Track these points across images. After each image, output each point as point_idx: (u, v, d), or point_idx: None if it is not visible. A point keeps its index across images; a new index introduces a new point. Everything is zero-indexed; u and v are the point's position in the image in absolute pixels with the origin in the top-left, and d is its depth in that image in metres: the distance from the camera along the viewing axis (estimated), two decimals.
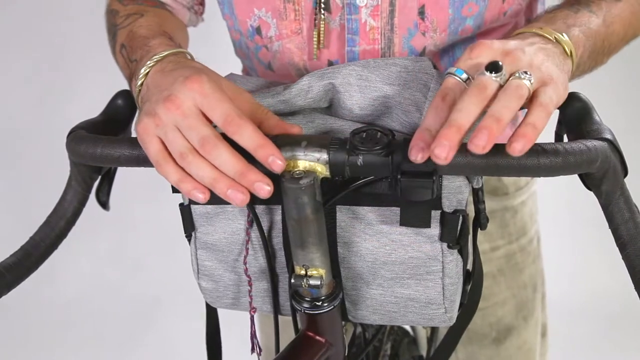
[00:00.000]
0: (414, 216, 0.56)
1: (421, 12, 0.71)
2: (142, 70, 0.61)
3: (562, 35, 0.58)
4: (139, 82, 0.62)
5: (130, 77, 0.68)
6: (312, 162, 0.55)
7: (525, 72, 0.50)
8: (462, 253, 0.61)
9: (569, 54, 0.57)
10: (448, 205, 0.58)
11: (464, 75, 0.52)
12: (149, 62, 0.61)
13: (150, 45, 0.66)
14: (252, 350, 0.69)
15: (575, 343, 1.85)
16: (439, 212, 0.58)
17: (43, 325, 2.01)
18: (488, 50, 0.53)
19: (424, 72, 0.59)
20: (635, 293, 0.55)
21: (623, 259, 0.55)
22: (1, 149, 2.26)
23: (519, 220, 0.96)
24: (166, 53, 0.62)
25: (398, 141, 0.54)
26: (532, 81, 0.50)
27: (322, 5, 0.72)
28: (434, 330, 0.90)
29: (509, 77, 0.50)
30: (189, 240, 0.68)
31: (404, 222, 0.57)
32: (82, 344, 1.95)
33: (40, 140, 2.24)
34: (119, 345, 1.95)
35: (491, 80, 0.49)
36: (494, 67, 0.49)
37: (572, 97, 0.61)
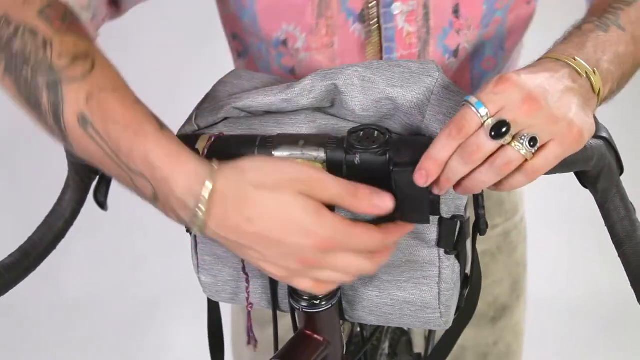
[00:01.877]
0: (411, 212, 0.55)
1: (456, 11, 0.71)
2: (196, 225, 0.50)
3: (594, 72, 0.54)
4: (196, 229, 0.51)
5: (149, 195, 0.53)
6: (310, 161, 0.55)
7: (531, 142, 0.48)
8: (460, 258, 0.61)
9: (596, 92, 0.54)
10: (446, 211, 0.58)
11: (484, 111, 0.48)
12: (199, 210, 0.49)
13: (159, 164, 0.50)
14: (248, 342, 0.69)
15: (575, 343, 1.85)
16: (437, 217, 0.58)
17: (43, 325, 2.01)
18: (513, 88, 0.49)
19: (428, 75, 0.59)
20: (633, 291, 0.56)
21: (619, 256, 0.56)
22: (1, 149, 2.26)
23: (512, 198, 0.97)
24: (209, 188, 0.49)
25: (395, 140, 0.55)
26: (533, 151, 0.49)
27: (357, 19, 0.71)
28: (431, 329, 0.90)
29: (515, 135, 0.48)
30: (190, 234, 0.68)
31: (401, 217, 0.56)
32: (81, 344, 1.95)
33: (40, 141, 2.23)
34: (119, 345, 1.96)
35: (490, 143, 0.48)
36: (497, 129, 0.48)
37: None
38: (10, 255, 0.66)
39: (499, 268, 0.99)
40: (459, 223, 0.57)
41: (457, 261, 0.61)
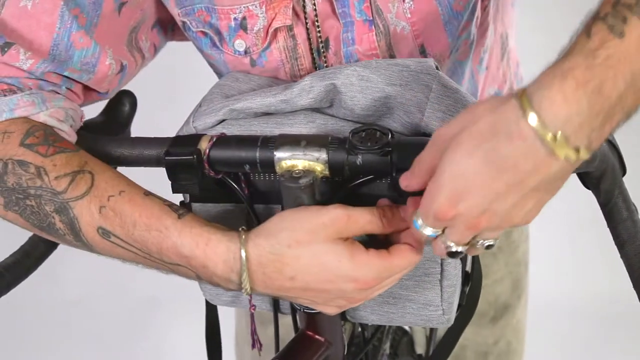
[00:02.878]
0: None
1: (422, 51, 0.70)
2: (244, 291, 0.53)
3: (578, 151, 0.39)
4: (245, 294, 0.54)
5: (191, 277, 0.56)
6: (312, 161, 0.55)
7: (488, 247, 0.49)
8: None
9: (577, 165, 0.40)
10: None
11: (435, 234, 0.48)
12: (243, 281, 0.52)
13: (192, 255, 0.53)
14: (253, 346, 0.69)
15: (575, 343, 1.85)
16: None
17: (43, 325, 2.01)
18: (458, 219, 0.44)
19: (426, 73, 0.59)
20: (635, 292, 0.56)
21: (621, 257, 0.56)
22: None
23: None
24: (244, 258, 0.51)
25: (397, 140, 0.54)
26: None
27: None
28: (432, 329, 0.90)
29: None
30: None
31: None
32: (81, 343, 1.95)
33: None
34: (118, 344, 1.96)
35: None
36: (453, 256, 0.48)
37: None
38: (11, 255, 0.66)
39: (500, 267, 0.99)
40: None
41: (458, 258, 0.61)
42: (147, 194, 0.56)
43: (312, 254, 0.51)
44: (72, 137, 0.63)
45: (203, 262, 0.52)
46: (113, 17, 0.65)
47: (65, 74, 0.63)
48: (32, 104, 0.59)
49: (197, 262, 0.53)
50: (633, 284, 0.55)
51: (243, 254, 0.51)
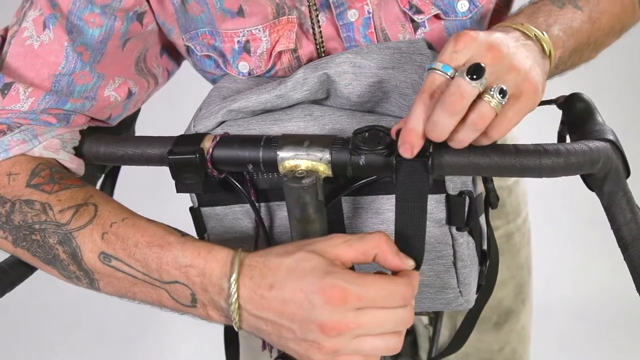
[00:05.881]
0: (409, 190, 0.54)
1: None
2: (232, 307, 0.51)
3: (542, 34, 0.55)
4: (234, 316, 0.51)
5: (187, 301, 0.55)
6: (315, 161, 0.55)
7: (502, 92, 0.48)
8: (474, 234, 0.61)
9: (547, 53, 0.55)
10: (453, 188, 0.57)
11: (451, 72, 0.49)
12: (232, 300, 0.50)
13: (191, 263, 0.52)
14: (264, 347, 0.69)
15: (576, 343, 1.84)
16: (444, 195, 0.58)
17: (43, 325, 2.01)
18: (473, 42, 0.49)
19: (419, 53, 0.58)
20: (637, 294, 0.55)
21: (625, 259, 0.55)
22: None
23: (514, 199, 0.97)
24: (235, 271, 0.51)
25: None
26: (503, 102, 0.48)
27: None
28: (435, 330, 0.90)
29: (484, 90, 0.48)
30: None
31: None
32: (81, 344, 1.95)
33: None
34: (119, 344, 1.96)
35: (470, 87, 0.46)
36: (475, 71, 0.46)
37: (575, 98, 0.61)
38: None
39: (502, 270, 0.98)
40: (467, 199, 0.57)
41: (470, 237, 0.60)
42: (150, 220, 0.56)
43: (293, 261, 0.50)
44: (75, 164, 0.63)
45: (202, 269, 0.52)
46: (117, 53, 0.66)
47: (67, 106, 0.63)
48: (23, 142, 0.60)
49: (196, 271, 0.52)
50: (636, 287, 0.55)
51: (237, 260, 0.51)
